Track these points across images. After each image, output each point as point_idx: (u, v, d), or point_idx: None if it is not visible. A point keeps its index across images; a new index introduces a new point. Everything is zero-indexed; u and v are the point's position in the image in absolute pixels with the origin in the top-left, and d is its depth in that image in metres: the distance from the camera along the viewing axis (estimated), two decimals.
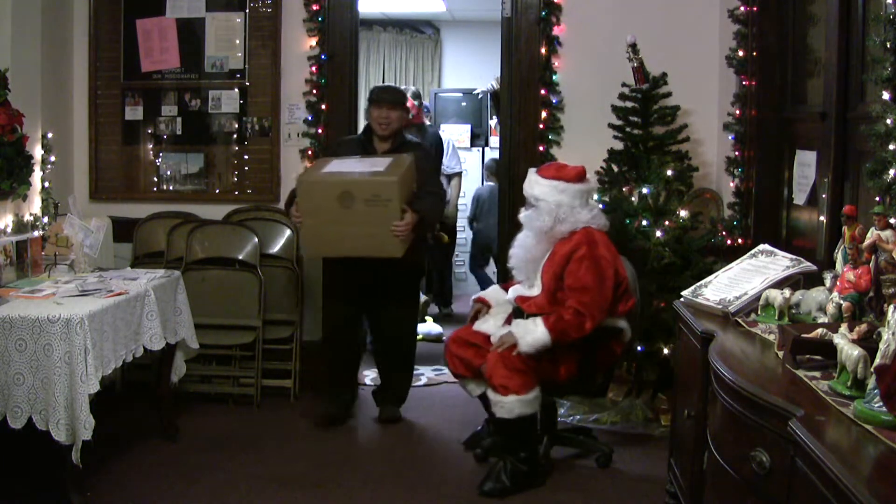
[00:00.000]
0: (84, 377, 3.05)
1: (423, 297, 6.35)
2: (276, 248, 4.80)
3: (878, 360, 1.74)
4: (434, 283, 6.96)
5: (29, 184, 4.10)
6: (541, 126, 4.79)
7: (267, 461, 3.82)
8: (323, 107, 4.90)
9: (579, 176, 3.64)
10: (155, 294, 3.67)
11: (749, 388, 1.99)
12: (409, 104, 6.00)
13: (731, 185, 4.53)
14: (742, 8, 4.39)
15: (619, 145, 4.45)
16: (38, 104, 4.41)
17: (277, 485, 3.56)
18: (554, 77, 4.78)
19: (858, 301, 2.40)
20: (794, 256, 2.98)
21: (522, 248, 3.68)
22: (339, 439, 4.15)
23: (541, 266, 3.62)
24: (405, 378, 4.50)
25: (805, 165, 3.78)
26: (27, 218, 4.15)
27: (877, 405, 1.70)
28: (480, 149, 8.31)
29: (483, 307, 3.91)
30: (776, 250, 3.07)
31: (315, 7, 4.86)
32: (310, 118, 4.92)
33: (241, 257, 4.70)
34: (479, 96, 8.45)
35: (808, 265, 2.91)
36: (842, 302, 2.43)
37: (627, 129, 4.41)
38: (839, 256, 2.59)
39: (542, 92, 4.77)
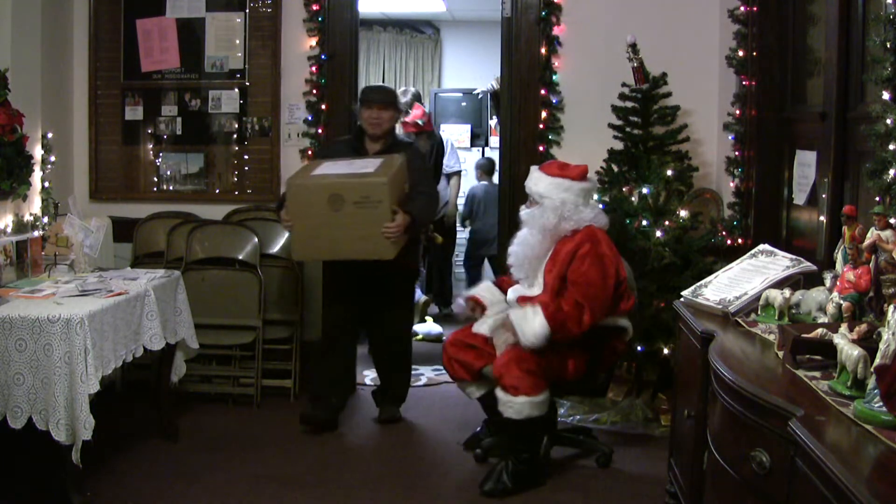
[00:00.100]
0: (84, 377, 3.05)
1: (423, 297, 6.36)
2: (276, 248, 4.80)
3: (878, 360, 1.74)
4: (434, 283, 6.95)
5: (29, 184, 4.09)
6: (541, 126, 4.79)
7: (267, 461, 3.82)
8: (323, 107, 4.90)
9: (582, 174, 3.64)
10: (155, 294, 3.67)
11: (749, 388, 1.99)
12: (419, 112, 6.02)
13: (731, 185, 4.53)
14: (742, 8, 4.39)
15: (619, 145, 4.45)
16: (38, 104, 4.41)
17: (277, 485, 3.56)
18: (554, 77, 4.78)
19: (858, 301, 2.40)
20: (794, 256, 2.98)
21: (523, 246, 3.64)
22: (339, 439, 4.15)
23: (542, 265, 3.59)
24: (404, 378, 4.50)
25: (805, 165, 3.78)
26: (27, 218, 4.14)
27: (877, 405, 1.70)
28: (480, 149, 8.31)
29: (477, 307, 3.82)
30: (776, 250, 3.07)
31: (315, 7, 4.86)
32: (310, 118, 4.92)
33: (241, 257, 4.70)
34: (479, 96, 8.45)
35: (808, 265, 2.91)
36: (842, 302, 2.43)
37: (627, 129, 4.40)
38: (839, 256, 2.59)
39: (542, 92, 4.78)
